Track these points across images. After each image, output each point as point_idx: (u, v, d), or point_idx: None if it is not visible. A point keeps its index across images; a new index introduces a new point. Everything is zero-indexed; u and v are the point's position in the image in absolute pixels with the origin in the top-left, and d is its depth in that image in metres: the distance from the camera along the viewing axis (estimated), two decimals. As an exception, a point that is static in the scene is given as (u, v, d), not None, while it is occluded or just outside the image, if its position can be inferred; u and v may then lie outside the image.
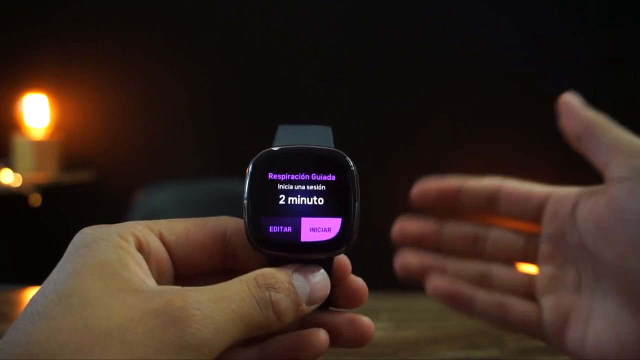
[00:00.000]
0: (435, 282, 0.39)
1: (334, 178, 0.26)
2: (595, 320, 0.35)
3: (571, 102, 0.37)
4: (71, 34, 1.80)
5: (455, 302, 0.39)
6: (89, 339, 0.21)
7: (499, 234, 0.39)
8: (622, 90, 1.64)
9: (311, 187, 0.26)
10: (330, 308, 0.28)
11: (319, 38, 1.77)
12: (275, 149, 0.26)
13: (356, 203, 0.26)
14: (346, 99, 1.76)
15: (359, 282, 0.28)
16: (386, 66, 1.74)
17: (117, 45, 1.80)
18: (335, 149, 0.27)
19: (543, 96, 1.74)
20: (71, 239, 0.25)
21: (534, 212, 0.38)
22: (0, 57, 1.82)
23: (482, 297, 0.39)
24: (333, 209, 0.26)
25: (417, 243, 0.40)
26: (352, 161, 0.26)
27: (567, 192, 0.37)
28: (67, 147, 1.80)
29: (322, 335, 0.26)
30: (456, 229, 0.40)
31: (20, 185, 1.67)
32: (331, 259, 0.27)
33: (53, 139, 1.77)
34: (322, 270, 0.26)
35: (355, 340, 0.27)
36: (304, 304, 0.25)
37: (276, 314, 0.24)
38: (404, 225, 0.40)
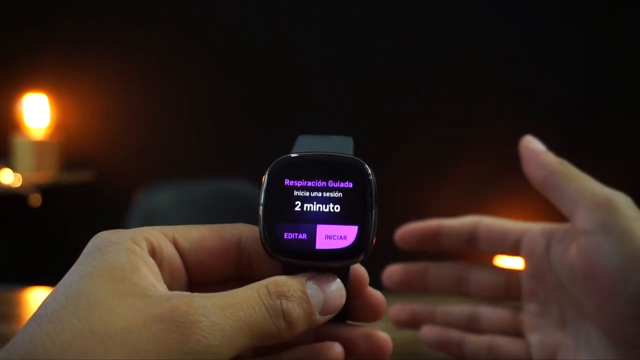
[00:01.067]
0: (426, 332, 0.41)
1: (351, 185, 0.25)
2: (583, 356, 0.35)
3: (532, 147, 0.36)
4: (71, 34, 1.80)
5: (446, 349, 0.40)
6: (93, 342, 0.20)
7: (481, 274, 0.40)
8: (622, 92, 1.63)
9: (327, 194, 0.25)
10: (348, 322, 0.27)
11: (319, 38, 1.77)
12: (292, 155, 0.26)
13: (374, 211, 0.25)
14: (346, 99, 1.76)
15: (377, 295, 0.27)
16: (386, 66, 1.74)
17: (117, 45, 1.80)
18: (353, 156, 0.26)
19: (543, 96, 1.74)
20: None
21: (512, 248, 0.39)
22: (0, 57, 1.82)
23: (472, 340, 0.39)
24: (349, 216, 0.25)
25: (406, 287, 0.41)
26: (371, 168, 0.26)
27: (539, 230, 0.37)
28: (67, 147, 1.79)
29: (337, 349, 0.26)
30: (440, 271, 0.41)
31: (20, 185, 1.67)
32: (347, 269, 0.26)
33: (53, 139, 1.77)
34: (338, 280, 0.25)
35: (370, 355, 0.26)
36: (317, 314, 0.24)
37: (287, 323, 0.23)
38: (392, 272, 0.42)
